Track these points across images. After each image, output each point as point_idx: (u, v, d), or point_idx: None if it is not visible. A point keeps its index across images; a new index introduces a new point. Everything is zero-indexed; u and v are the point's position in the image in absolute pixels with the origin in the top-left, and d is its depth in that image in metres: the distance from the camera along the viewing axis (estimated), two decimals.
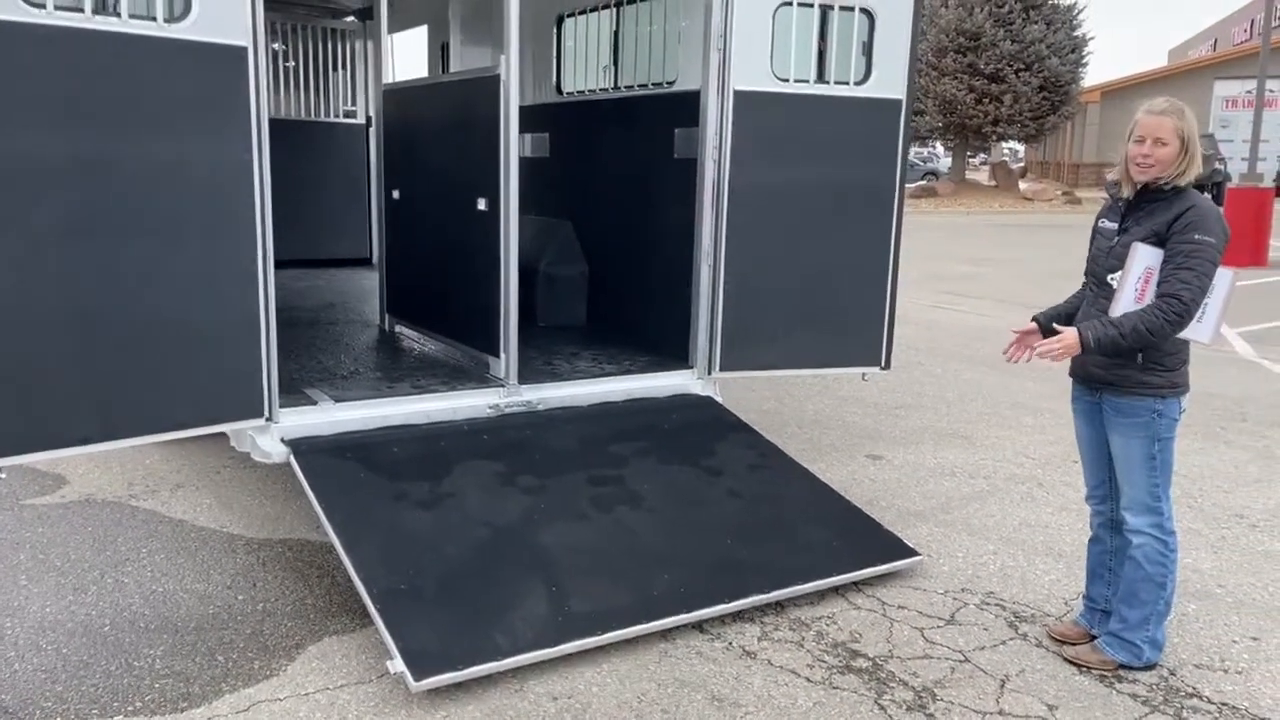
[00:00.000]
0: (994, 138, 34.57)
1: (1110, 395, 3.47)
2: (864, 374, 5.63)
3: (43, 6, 3.42)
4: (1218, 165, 28.40)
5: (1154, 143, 3.30)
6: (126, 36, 3.62)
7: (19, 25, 3.38)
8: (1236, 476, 5.79)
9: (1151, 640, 3.54)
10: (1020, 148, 50.74)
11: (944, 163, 44.35)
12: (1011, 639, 3.79)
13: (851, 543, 4.32)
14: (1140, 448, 3.43)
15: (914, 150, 45.72)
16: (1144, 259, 3.32)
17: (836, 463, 5.92)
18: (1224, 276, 3.29)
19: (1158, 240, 3.31)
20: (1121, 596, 3.57)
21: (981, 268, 16.13)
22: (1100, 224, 3.57)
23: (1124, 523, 3.53)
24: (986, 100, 31.47)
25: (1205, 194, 3.45)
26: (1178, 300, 3.21)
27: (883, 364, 5.57)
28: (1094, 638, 3.69)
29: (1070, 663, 3.61)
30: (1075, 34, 32.61)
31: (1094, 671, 3.55)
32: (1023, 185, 37.09)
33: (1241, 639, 3.84)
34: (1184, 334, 3.32)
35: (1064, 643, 3.74)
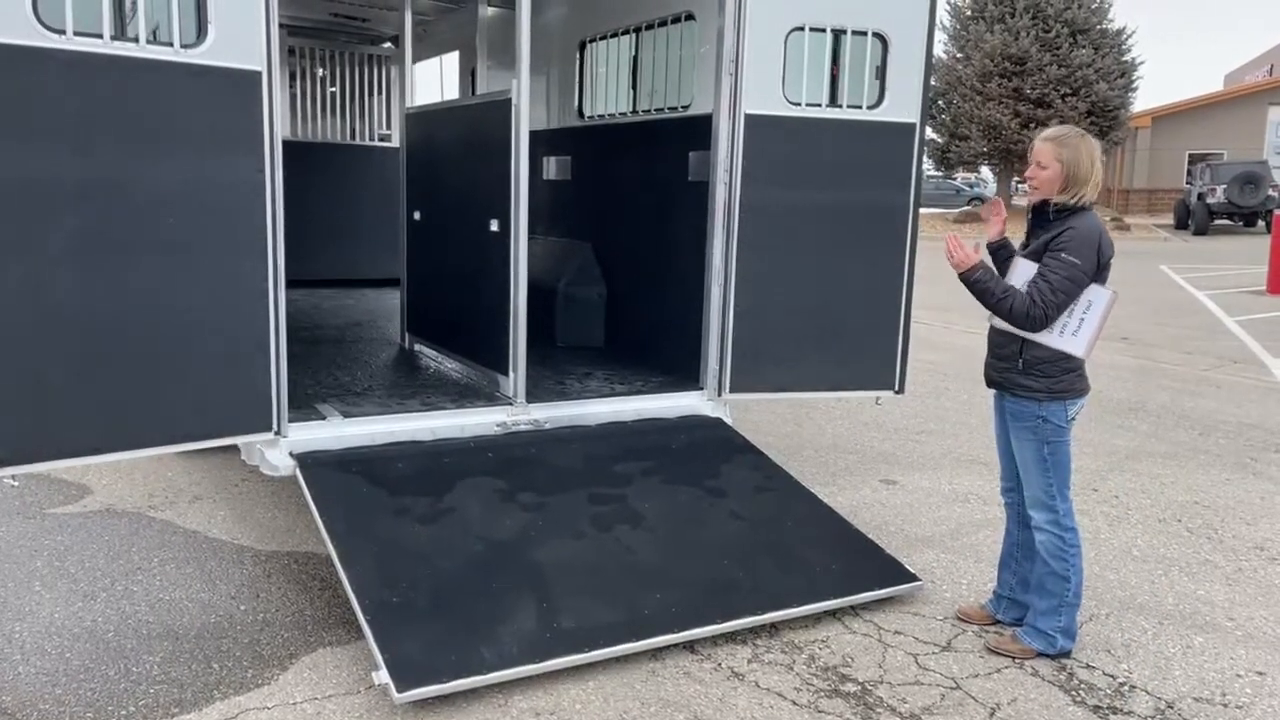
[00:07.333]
0: None
1: (1007, 398, 3.77)
2: (877, 398, 5.60)
3: (62, 32, 3.56)
4: (1270, 193, 27.92)
5: (1035, 166, 3.62)
6: (144, 61, 3.74)
7: (39, 50, 3.51)
8: (1261, 508, 5.64)
9: (1065, 630, 3.76)
10: None
11: (991, 188, 43.96)
12: (1007, 667, 3.74)
13: (850, 567, 4.29)
14: (1031, 449, 3.71)
15: (960, 176, 45.38)
16: (1023, 274, 3.63)
17: (849, 487, 5.89)
18: (1101, 295, 3.55)
19: (1037, 257, 3.62)
20: (1033, 588, 3.84)
21: None
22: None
23: (1029, 520, 3.83)
24: (1032, 125, 31.10)
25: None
26: (1029, 302, 3.54)
27: (896, 388, 5.52)
28: (997, 621, 4.02)
29: (992, 652, 3.82)
30: (1124, 59, 32.19)
31: (1015, 659, 3.76)
32: None
33: (1246, 673, 3.75)
34: (1057, 344, 3.59)
35: (967, 621, 4.09)
